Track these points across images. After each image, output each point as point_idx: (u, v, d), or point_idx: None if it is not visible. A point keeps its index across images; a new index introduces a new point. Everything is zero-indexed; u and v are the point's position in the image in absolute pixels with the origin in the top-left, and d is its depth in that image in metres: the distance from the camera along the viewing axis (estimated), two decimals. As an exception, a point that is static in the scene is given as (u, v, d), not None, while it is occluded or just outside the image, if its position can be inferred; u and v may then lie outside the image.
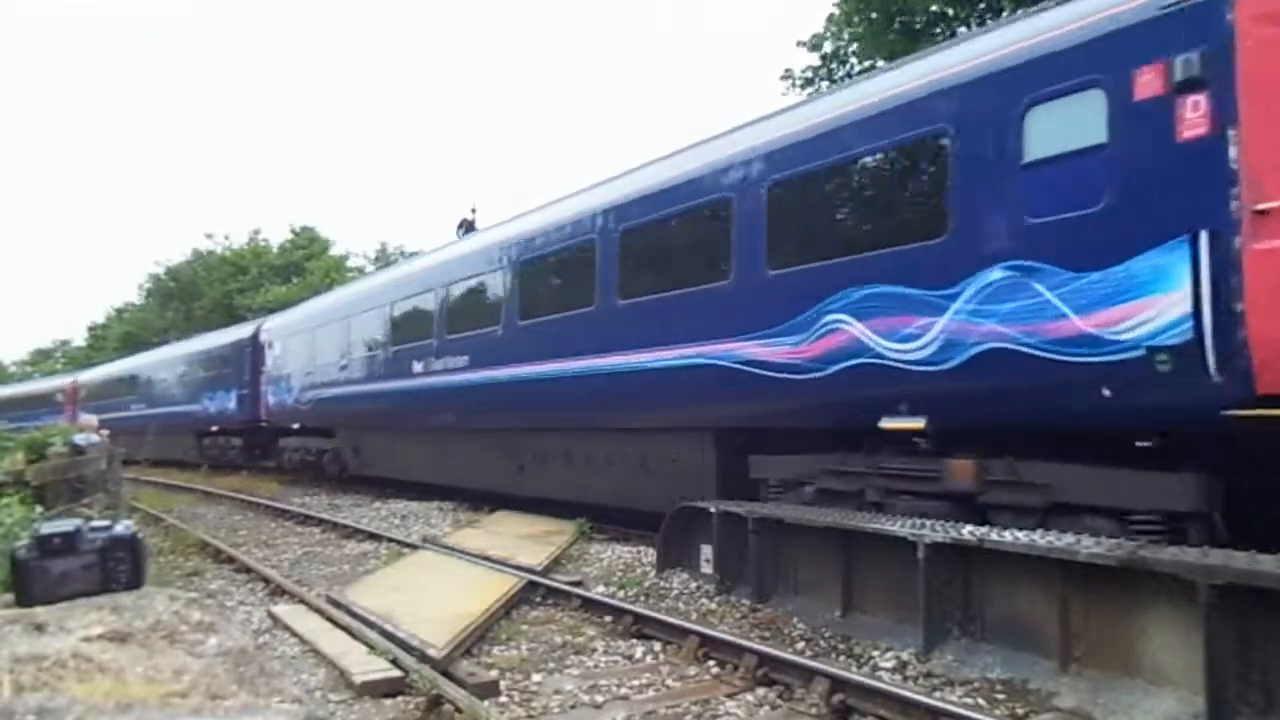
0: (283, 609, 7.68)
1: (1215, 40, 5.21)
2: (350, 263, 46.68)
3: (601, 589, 8.16)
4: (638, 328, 9.65)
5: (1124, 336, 5.50)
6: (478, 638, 6.49)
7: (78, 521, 6.02)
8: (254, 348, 22.66)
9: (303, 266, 45.50)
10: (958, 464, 6.65)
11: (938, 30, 18.42)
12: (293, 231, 49.35)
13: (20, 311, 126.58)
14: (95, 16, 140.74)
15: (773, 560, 7.39)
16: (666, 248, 9.77)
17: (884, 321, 6.96)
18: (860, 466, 7.44)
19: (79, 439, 11.04)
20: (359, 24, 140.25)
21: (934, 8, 18.89)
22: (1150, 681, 4.78)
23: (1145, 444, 5.81)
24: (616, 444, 10.51)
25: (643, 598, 7.82)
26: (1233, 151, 5.10)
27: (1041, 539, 5.37)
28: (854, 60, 20.97)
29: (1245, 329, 4.98)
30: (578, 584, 8.10)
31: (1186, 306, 5.19)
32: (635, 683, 5.57)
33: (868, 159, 7.53)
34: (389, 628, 6.42)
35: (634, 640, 6.57)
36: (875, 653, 5.93)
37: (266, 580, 9.12)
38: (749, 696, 5.31)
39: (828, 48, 21.40)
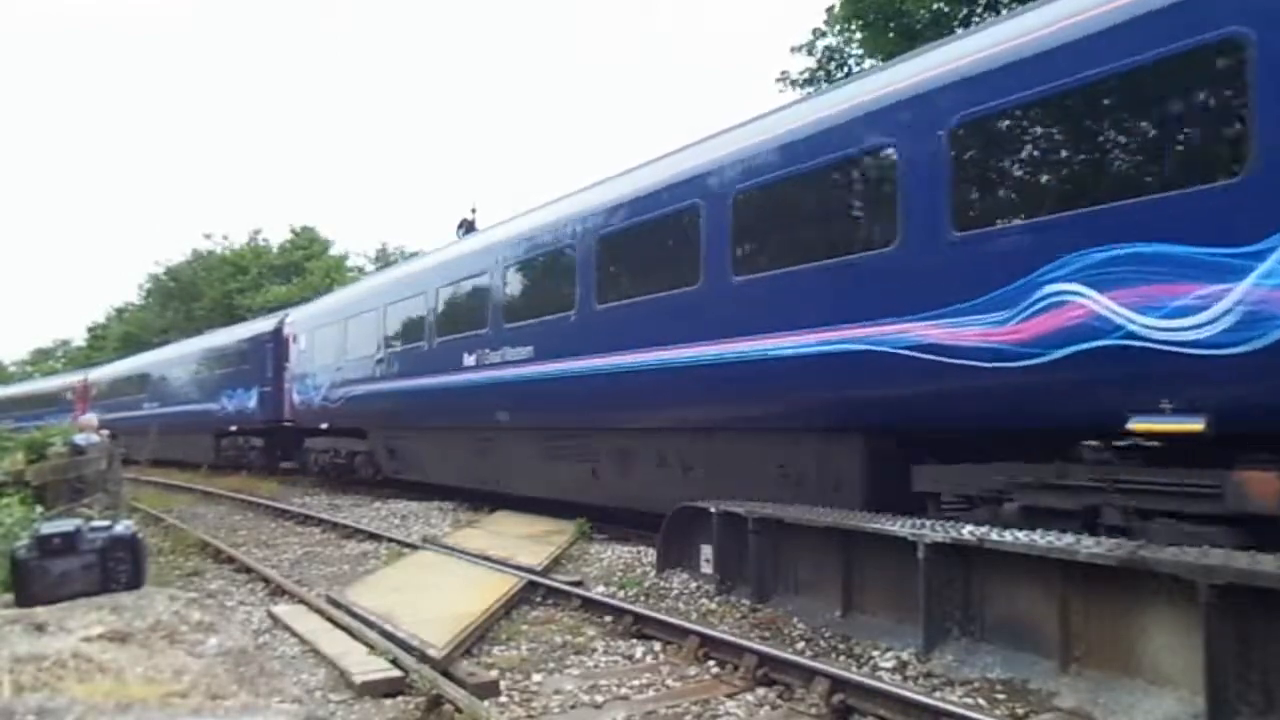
0: (283, 609, 7.67)
1: None
2: (350, 263, 46.74)
3: (601, 589, 8.16)
4: (759, 309, 8.13)
5: None
6: (478, 638, 6.49)
7: (78, 521, 6.04)
8: (276, 342, 21.34)
9: (303, 266, 45.53)
10: (1254, 477, 5.06)
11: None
12: (293, 231, 49.41)
13: (20, 311, 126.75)
14: (95, 16, 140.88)
15: (773, 560, 7.37)
16: (799, 209, 8.13)
17: (1139, 292, 5.43)
18: (1086, 479, 5.95)
19: (79, 439, 11.07)
20: (359, 24, 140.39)
21: (935, 6, 18.88)
22: (1150, 681, 4.77)
23: None
24: (725, 446, 9.01)
25: (643, 598, 7.82)
26: None
27: (1041, 539, 5.36)
28: (852, 63, 20.96)
29: None
30: (578, 584, 8.10)
31: None
32: (635, 683, 5.57)
33: (1115, 81, 5.76)
34: (389, 628, 6.42)
35: (634, 640, 6.57)
36: (875, 653, 5.92)
37: (266, 580, 9.11)
38: (749, 696, 5.31)
39: (830, 40, 21.30)
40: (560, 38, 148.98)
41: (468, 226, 16.11)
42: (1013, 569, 5.50)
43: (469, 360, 13.03)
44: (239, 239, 50.48)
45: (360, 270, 43.60)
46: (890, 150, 7.09)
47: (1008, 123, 6.42)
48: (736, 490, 8.38)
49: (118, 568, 5.77)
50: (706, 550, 8.01)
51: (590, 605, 7.46)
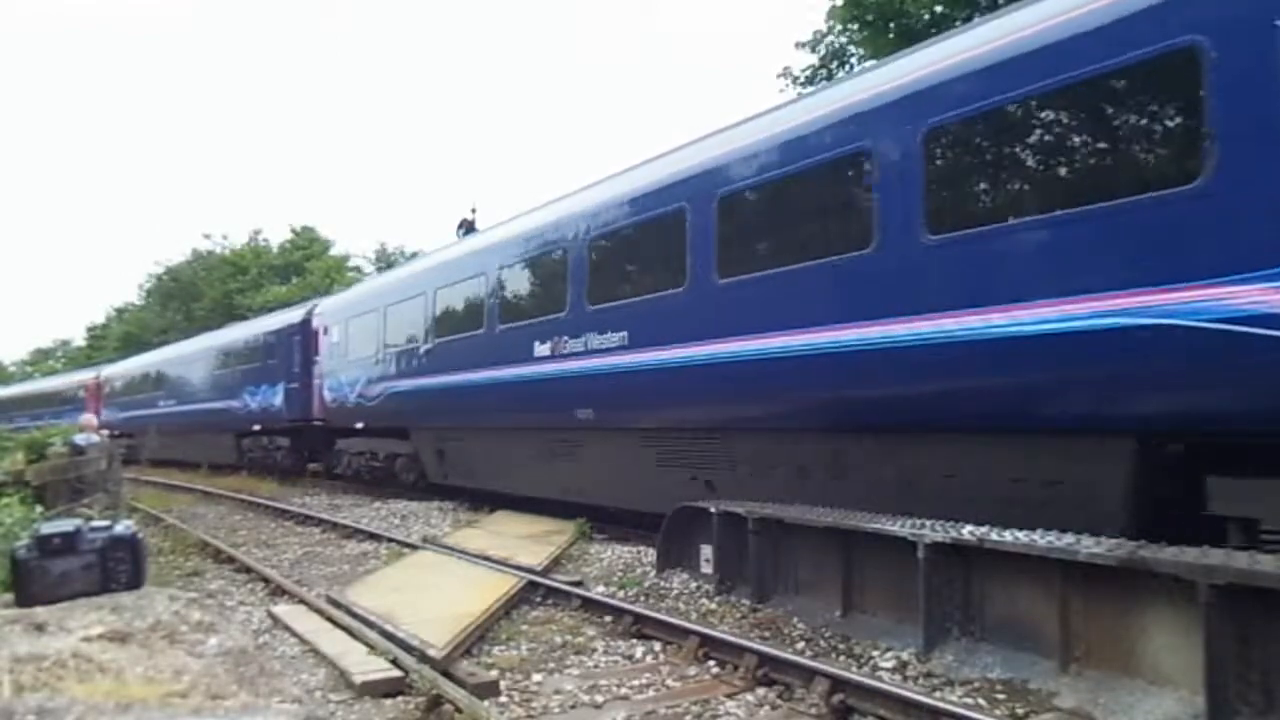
0: (283, 609, 7.68)
1: None
2: (350, 263, 46.79)
3: (601, 589, 8.16)
4: (963, 278, 6.47)
5: None
6: (478, 638, 6.49)
7: (78, 521, 6.04)
8: (304, 335, 19.63)
9: (303, 266, 45.62)
10: None
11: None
12: (293, 231, 49.52)
13: (20, 311, 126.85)
14: (95, 16, 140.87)
15: (773, 560, 7.37)
16: (1029, 139, 6.37)
17: None
18: None
19: (79, 439, 11.09)
20: (359, 24, 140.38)
21: (937, 9, 18.87)
22: (1150, 681, 4.77)
23: None
24: (914, 455, 7.19)
25: (643, 598, 7.82)
26: None
27: (1041, 539, 5.36)
28: (854, 62, 20.96)
29: None
30: (578, 584, 8.10)
31: None
32: (635, 683, 5.57)
33: None
34: (389, 628, 6.42)
35: (634, 640, 6.57)
36: (875, 653, 5.92)
37: (266, 580, 9.12)
38: (749, 696, 5.31)
39: (831, 40, 21.31)
40: (560, 38, 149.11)
41: (468, 227, 16.11)
42: (1013, 569, 5.50)
43: (541, 349, 11.54)
44: (239, 239, 50.69)
45: (359, 271, 43.63)
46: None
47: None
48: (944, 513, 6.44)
49: (118, 568, 5.78)
50: (706, 550, 8.02)
51: (590, 605, 7.46)
